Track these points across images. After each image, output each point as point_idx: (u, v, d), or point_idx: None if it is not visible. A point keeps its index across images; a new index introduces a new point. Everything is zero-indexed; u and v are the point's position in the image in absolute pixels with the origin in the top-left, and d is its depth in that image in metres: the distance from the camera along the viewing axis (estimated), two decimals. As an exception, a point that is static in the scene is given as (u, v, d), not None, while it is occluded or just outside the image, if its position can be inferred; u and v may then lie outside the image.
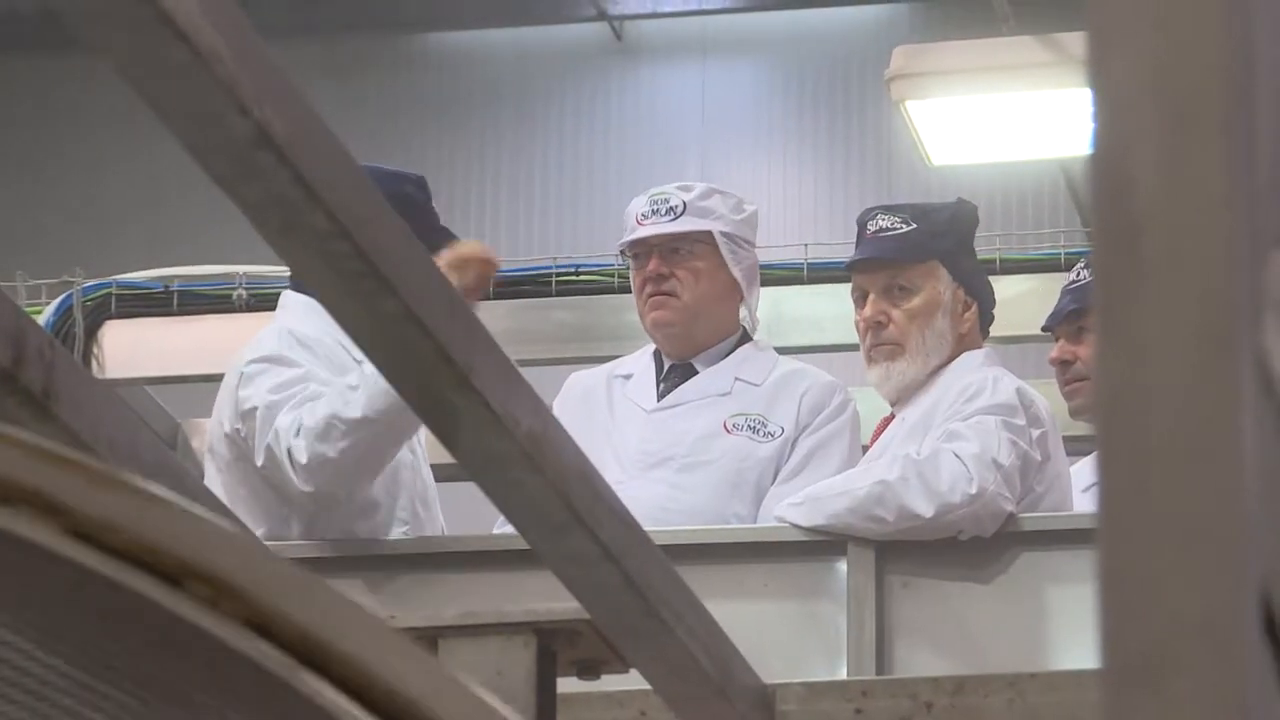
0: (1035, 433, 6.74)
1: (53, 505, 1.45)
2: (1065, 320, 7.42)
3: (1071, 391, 7.39)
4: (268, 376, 6.79)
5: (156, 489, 1.49)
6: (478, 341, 2.30)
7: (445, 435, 2.36)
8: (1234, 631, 1.12)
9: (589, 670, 2.87)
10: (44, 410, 2.27)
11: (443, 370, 2.23)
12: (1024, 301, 8.67)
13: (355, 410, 6.63)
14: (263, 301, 8.16)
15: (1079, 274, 7.64)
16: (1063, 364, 7.44)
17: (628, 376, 7.33)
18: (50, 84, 17.61)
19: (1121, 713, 1.11)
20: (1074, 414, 7.45)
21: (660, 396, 7.20)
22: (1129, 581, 1.12)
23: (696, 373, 7.23)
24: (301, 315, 6.99)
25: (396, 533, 6.87)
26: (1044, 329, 7.61)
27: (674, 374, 7.25)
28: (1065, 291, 7.54)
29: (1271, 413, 1.22)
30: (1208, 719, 1.11)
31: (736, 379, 7.19)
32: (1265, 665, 1.14)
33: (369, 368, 6.55)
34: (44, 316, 9.10)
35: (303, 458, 6.63)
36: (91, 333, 9.44)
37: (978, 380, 6.82)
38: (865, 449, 7.17)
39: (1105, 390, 1.14)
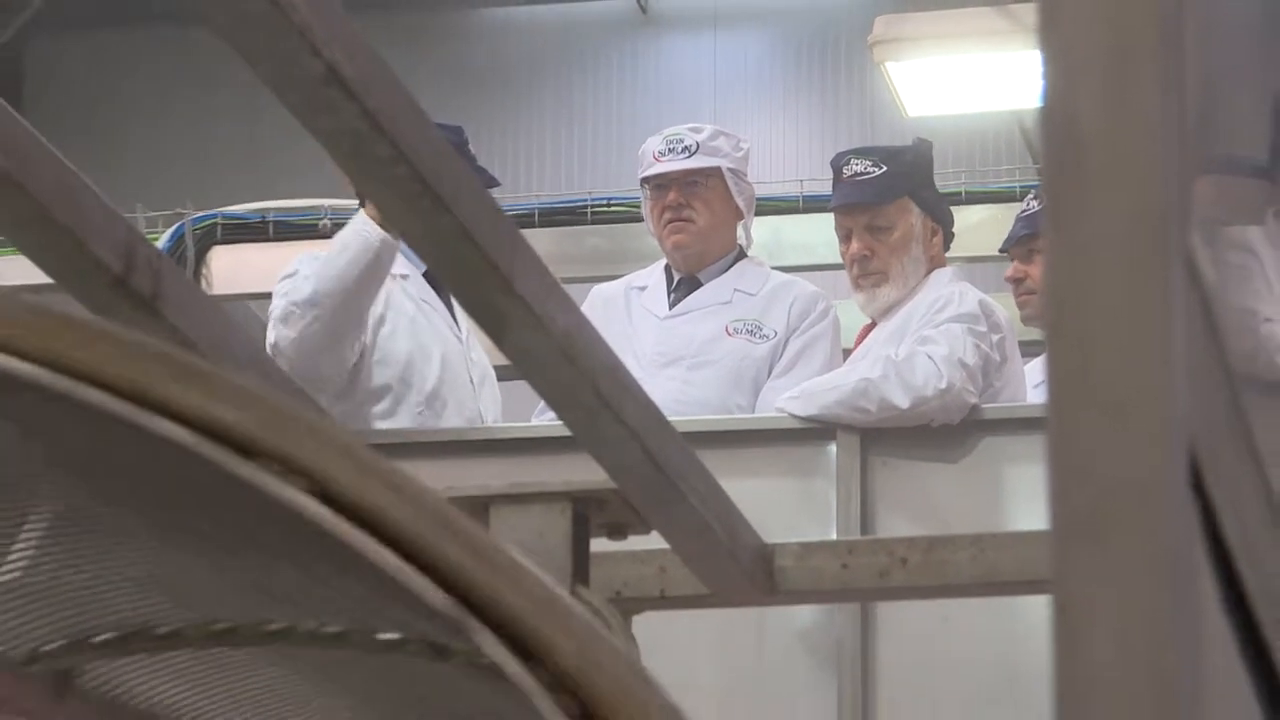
0: (995, 338, 6.79)
1: (141, 391, 1.42)
2: (1018, 243, 7.44)
3: (1023, 303, 7.41)
4: (279, 289, 6.94)
5: (239, 378, 1.47)
6: (520, 253, 2.28)
7: (494, 333, 2.33)
8: (1165, 491, 1.10)
9: (616, 532, 2.85)
10: (153, 311, 2.25)
11: (491, 277, 2.21)
12: (984, 227, 8.77)
13: (304, 293, 6.74)
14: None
15: (1029, 204, 7.68)
16: (1016, 281, 7.47)
17: (643, 288, 7.38)
18: (164, 50, 17.66)
19: (1068, 562, 1.09)
20: (1025, 322, 7.46)
21: (671, 305, 7.25)
22: (1074, 450, 1.10)
23: (701, 285, 7.27)
24: None
25: (412, 420, 6.94)
26: (1000, 250, 7.61)
27: (683, 286, 7.30)
28: (1018, 219, 7.57)
29: (1197, 302, 1.20)
30: (1141, 566, 1.09)
31: (735, 290, 7.25)
32: (1191, 516, 1.12)
33: (319, 257, 6.68)
34: (160, 242, 9.17)
35: (271, 338, 6.79)
36: (200, 256, 9.56)
37: (946, 294, 6.86)
38: (847, 353, 7.21)
39: (1053, 286, 1.13)
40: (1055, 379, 1.11)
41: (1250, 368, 1.72)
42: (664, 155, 7.28)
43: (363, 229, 6.77)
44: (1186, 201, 1.16)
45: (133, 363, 1.47)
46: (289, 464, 1.41)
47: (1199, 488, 1.17)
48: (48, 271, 2.17)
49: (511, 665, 1.35)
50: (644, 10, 18.46)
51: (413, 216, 2.09)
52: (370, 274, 6.80)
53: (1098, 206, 1.11)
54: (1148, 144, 1.11)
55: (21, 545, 1.96)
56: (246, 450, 1.44)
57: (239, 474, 1.43)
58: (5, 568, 1.94)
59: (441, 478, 2.69)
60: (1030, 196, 7.89)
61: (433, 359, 7.07)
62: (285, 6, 1.77)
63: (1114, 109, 1.11)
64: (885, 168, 7.03)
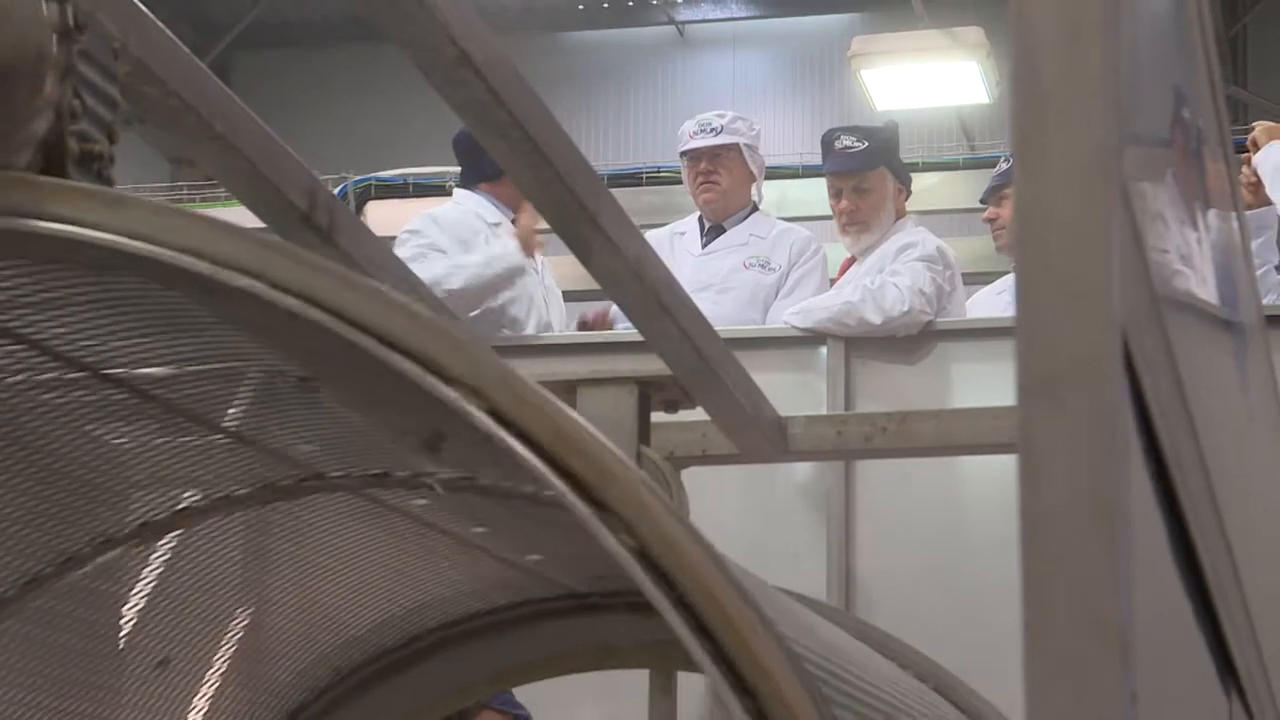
0: (947, 273, 6.81)
1: (320, 301, 1.38)
2: (992, 193, 7.36)
3: (997, 236, 7.33)
4: (405, 246, 6.84)
5: (394, 293, 1.44)
6: (602, 197, 2.24)
7: (582, 256, 2.30)
8: (1105, 364, 1.06)
9: (671, 407, 2.83)
10: (329, 239, 2.22)
11: (580, 214, 2.18)
12: (934, 189, 8.83)
13: (454, 284, 6.66)
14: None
15: (1002, 164, 7.60)
16: (991, 220, 7.40)
17: (682, 234, 7.41)
18: (331, 64, 17.78)
19: (1030, 417, 1.05)
20: (999, 251, 7.42)
21: (704, 246, 7.29)
22: (1037, 330, 1.07)
23: (725, 231, 7.30)
24: (451, 204, 7.16)
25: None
26: (980, 201, 7.55)
27: (712, 232, 7.33)
28: (994, 176, 7.50)
29: (1128, 216, 1.17)
30: (1087, 420, 1.05)
31: (751, 234, 7.29)
32: (1124, 386, 1.09)
33: (473, 260, 6.65)
34: (329, 199, 9.21)
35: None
36: (359, 209, 9.59)
37: (911, 238, 6.86)
38: (833, 281, 7.18)
39: (1021, 204, 1.09)
40: (1023, 276, 1.07)
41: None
42: (696, 134, 7.36)
43: (513, 257, 6.81)
44: (1121, 143, 1.13)
45: (316, 278, 1.43)
46: (440, 370, 1.36)
47: (1129, 365, 1.14)
48: (253, 209, 2.15)
49: (580, 509, 1.32)
50: (681, 34, 18.53)
51: (524, 168, 2.05)
52: (504, 285, 6.85)
53: (1055, 143, 1.07)
54: (1093, 97, 1.07)
55: (234, 409, 1.93)
56: (393, 345, 1.40)
57: (399, 368, 1.39)
58: (225, 422, 1.92)
59: (541, 370, 2.68)
60: (1003, 160, 7.79)
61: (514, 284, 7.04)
62: (430, 6, 1.73)
63: (1067, 70, 1.07)
64: (867, 143, 7.05)
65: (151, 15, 1.81)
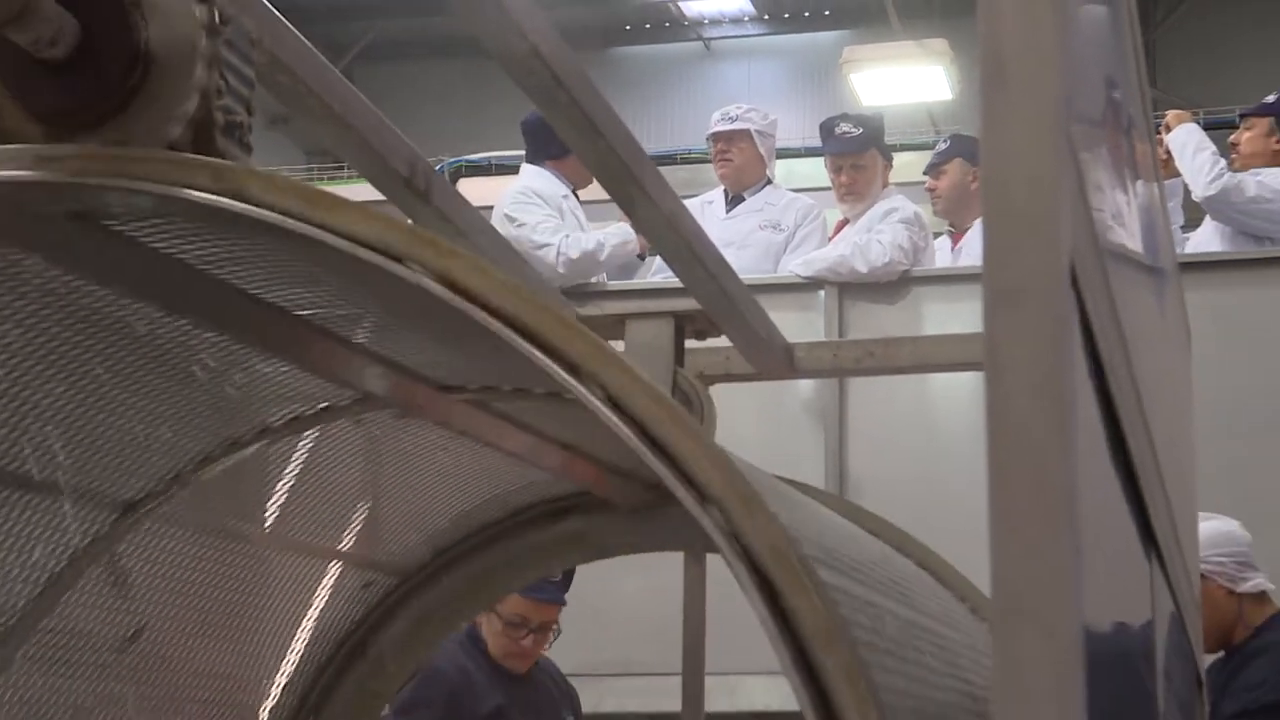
0: (921, 233, 6.83)
1: (415, 257, 1.34)
2: (931, 168, 7.44)
3: (935, 203, 7.42)
4: (527, 212, 6.80)
5: (482, 259, 1.41)
6: (644, 163, 2.21)
7: (628, 210, 2.27)
8: (1056, 281, 1.03)
9: (700, 335, 2.79)
10: (426, 200, 2.19)
11: (627, 175, 2.15)
12: (909, 164, 8.80)
13: (570, 254, 6.69)
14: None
15: (938, 148, 7.55)
16: (931, 190, 7.43)
17: (710, 202, 7.35)
18: (423, 72, 17.76)
19: (996, 324, 1.02)
20: (935, 214, 7.42)
21: (727, 211, 7.24)
22: (1001, 251, 1.03)
23: (744, 200, 7.26)
24: (532, 177, 7.09)
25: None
26: (924, 173, 7.51)
27: (734, 200, 7.28)
28: (933, 154, 7.48)
29: (1075, 165, 1.15)
30: (1043, 326, 1.02)
31: (765, 203, 7.25)
32: (1071, 302, 1.07)
33: (609, 241, 6.58)
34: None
35: (562, 269, 6.64)
36: (453, 184, 9.54)
37: (894, 204, 6.84)
38: (830, 239, 7.13)
39: (987, 151, 1.05)
40: (989, 207, 1.04)
41: None
42: (718, 122, 7.34)
43: (631, 248, 6.87)
44: (1070, 104, 1.09)
45: (415, 240, 1.39)
46: (508, 318, 1.31)
47: (1075, 284, 1.12)
48: (364, 175, 2.12)
49: (611, 418, 1.28)
50: (707, 48, 18.49)
51: (581, 139, 2.02)
52: (609, 267, 6.90)
53: (1014, 102, 1.03)
54: (1046, 63, 1.03)
55: (358, 339, 1.92)
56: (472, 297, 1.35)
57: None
58: (357, 339, 1.90)
59: (596, 310, 2.65)
60: (937, 144, 7.76)
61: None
62: (507, 9, 1.70)
63: (1025, 40, 1.04)
64: (862, 129, 7.01)
65: (284, 19, 1.79)
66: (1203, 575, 4.95)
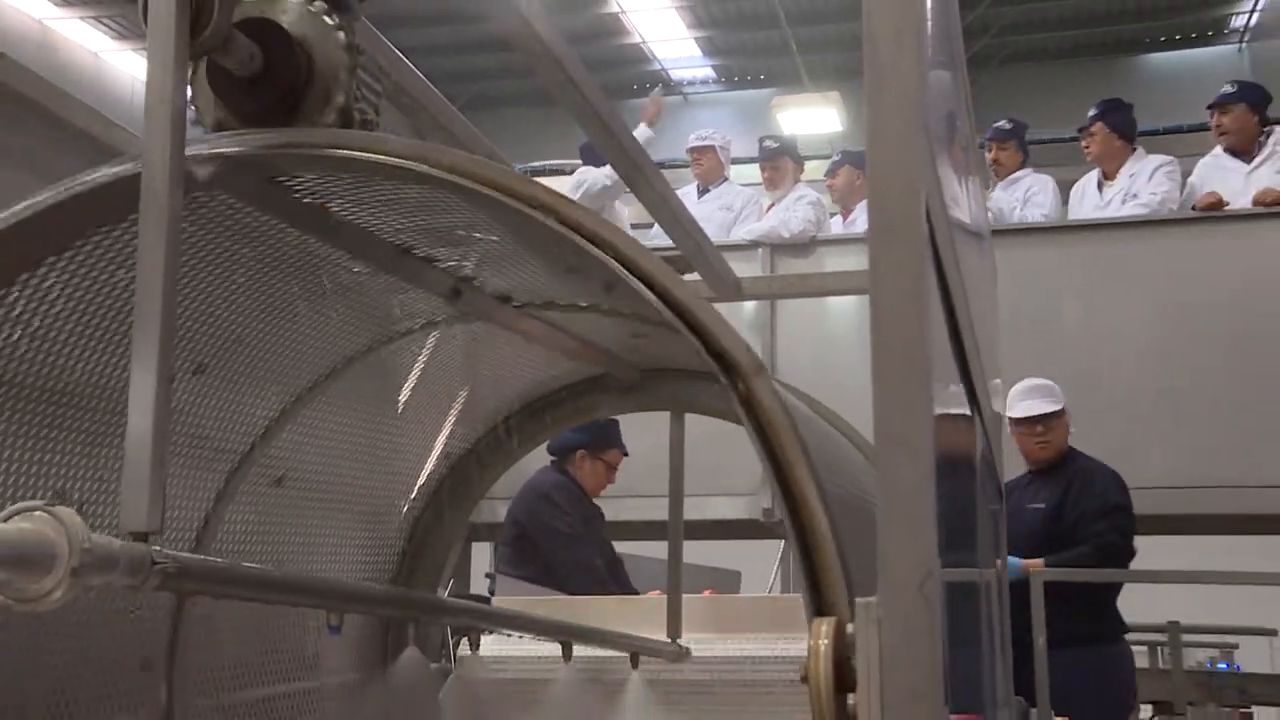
0: (822, 211, 6.62)
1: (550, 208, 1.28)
2: (829, 172, 7.08)
3: (829, 192, 7.04)
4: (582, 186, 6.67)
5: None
6: (643, 158, 2.13)
7: (634, 188, 2.19)
8: (916, 220, 0.98)
9: (681, 272, 2.66)
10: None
11: (630, 164, 2.07)
12: (815, 169, 8.51)
13: (594, 190, 6.54)
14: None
15: (835, 157, 7.26)
16: (830, 187, 7.15)
17: (686, 193, 7.08)
18: (499, 120, 17.42)
19: (877, 251, 0.96)
20: (834, 202, 7.04)
21: (699, 198, 7.02)
22: (879, 194, 0.97)
23: (709, 191, 7.08)
24: (585, 169, 6.89)
25: None
26: (825, 174, 7.26)
27: (703, 191, 7.08)
28: (830, 163, 7.21)
29: (929, 149, 1.08)
30: (909, 253, 0.96)
31: (723, 193, 7.05)
32: (925, 233, 1.00)
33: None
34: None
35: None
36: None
37: (803, 193, 6.73)
38: (763, 216, 6.98)
39: (870, 123, 0.98)
40: (871, 167, 0.98)
41: None
42: (694, 140, 7.21)
43: (606, 180, 6.53)
44: (926, 111, 1.02)
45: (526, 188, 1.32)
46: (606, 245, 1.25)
47: (929, 220, 1.06)
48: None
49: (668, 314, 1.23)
50: (685, 100, 18.07)
51: (602, 137, 1.94)
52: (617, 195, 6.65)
53: (886, 80, 0.97)
54: (908, 53, 0.97)
55: (465, 266, 1.86)
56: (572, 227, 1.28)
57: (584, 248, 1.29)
58: (461, 272, 1.84)
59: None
60: (833, 156, 7.51)
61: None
62: (547, 41, 1.62)
63: (895, 33, 0.97)
64: (779, 144, 7.02)
65: (401, 55, 1.73)
66: (1062, 412, 4.80)
